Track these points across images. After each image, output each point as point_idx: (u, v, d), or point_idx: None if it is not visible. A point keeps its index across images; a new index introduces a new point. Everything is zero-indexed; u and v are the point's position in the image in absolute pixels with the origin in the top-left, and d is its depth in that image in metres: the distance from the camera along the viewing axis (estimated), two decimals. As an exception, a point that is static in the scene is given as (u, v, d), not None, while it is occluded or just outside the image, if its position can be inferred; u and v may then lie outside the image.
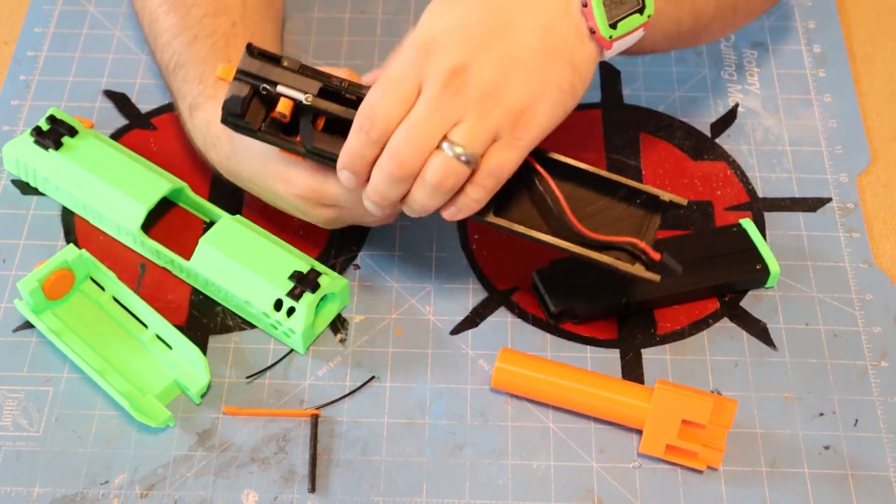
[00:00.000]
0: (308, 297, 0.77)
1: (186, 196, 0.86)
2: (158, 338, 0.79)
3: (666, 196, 0.74)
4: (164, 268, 0.84)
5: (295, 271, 0.78)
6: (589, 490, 0.74)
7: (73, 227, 0.86)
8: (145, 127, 0.92)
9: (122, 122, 0.93)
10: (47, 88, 0.95)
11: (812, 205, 0.88)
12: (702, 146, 0.92)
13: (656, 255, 0.73)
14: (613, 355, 0.80)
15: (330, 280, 0.79)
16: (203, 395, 0.78)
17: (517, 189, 0.74)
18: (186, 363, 0.78)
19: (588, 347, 0.81)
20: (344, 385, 0.79)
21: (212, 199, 0.87)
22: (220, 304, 0.82)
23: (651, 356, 0.80)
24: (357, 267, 0.84)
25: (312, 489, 0.74)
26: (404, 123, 0.68)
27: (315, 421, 0.76)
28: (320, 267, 0.80)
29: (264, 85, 0.72)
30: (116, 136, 0.92)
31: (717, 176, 0.90)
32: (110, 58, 0.97)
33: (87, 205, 0.84)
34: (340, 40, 0.99)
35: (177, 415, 0.77)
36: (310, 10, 1.01)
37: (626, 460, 0.75)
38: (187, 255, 0.81)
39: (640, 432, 0.75)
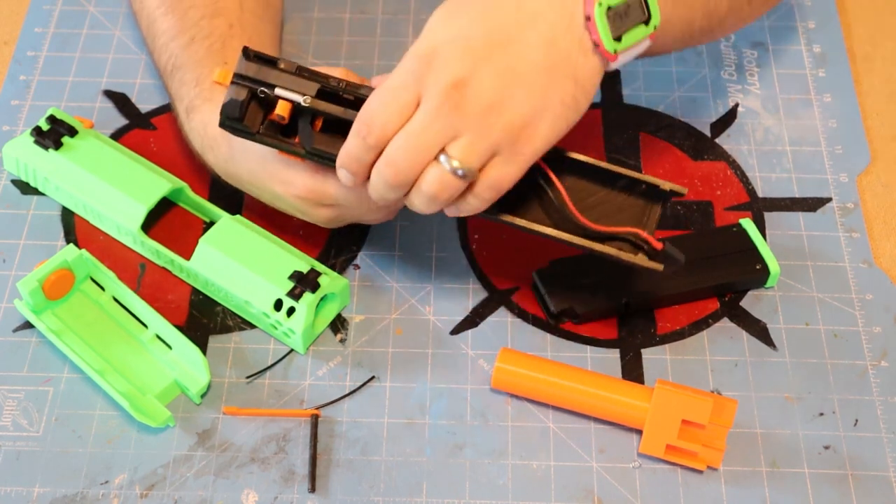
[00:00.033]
0: (308, 297, 0.77)
1: (186, 196, 0.86)
2: (158, 338, 0.79)
3: (666, 185, 0.73)
4: (164, 268, 0.84)
5: (295, 271, 0.78)
6: (589, 490, 0.74)
7: (73, 227, 0.86)
8: (145, 127, 0.92)
9: (122, 122, 0.93)
10: (47, 88, 0.95)
11: (812, 205, 0.88)
12: (702, 146, 0.92)
13: (658, 245, 0.73)
14: (613, 355, 0.80)
15: (330, 280, 0.79)
16: (203, 395, 0.78)
17: (518, 183, 0.74)
18: (186, 363, 0.78)
19: (588, 347, 0.81)
20: (344, 385, 0.79)
21: (212, 199, 0.87)
22: (220, 304, 0.82)
23: (651, 356, 0.80)
24: (357, 267, 0.84)
25: (312, 489, 0.74)
26: (403, 132, 0.68)
27: (315, 421, 0.76)
28: (320, 267, 0.80)
29: (262, 88, 0.72)
30: (116, 136, 0.92)
31: (717, 176, 0.90)
32: (110, 58, 0.97)
33: (87, 205, 0.84)
34: (340, 40, 0.99)
35: (177, 415, 0.77)
36: (310, 10, 1.01)
37: (626, 460, 0.75)
38: (187, 255, 0.81)
39: (640, 432, 0.75)
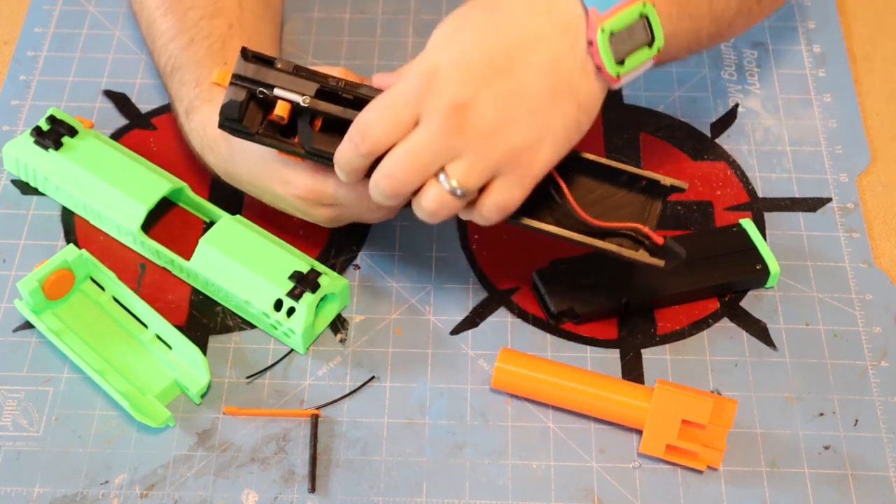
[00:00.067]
0: (308, 297, 0.77)
1: (186, 196, 0.86)
2: (158, 338, 0.79)
3: (667, 181, 0.73)
4: (164, 268, 0.84)
5: (295, 271, 0.78)
6: (589, 490, 0.74)
7: (73, 227, 0.86)
8: (145, 127, 0.92)
9: (122, 122, 0.93)
10: (47, 88, 0.95)
11: (812, 205, 0.88)
12: (702, 146, 0.92)
13: (659, 240, 0.73)
14: (613, 355, 0.80)
15: (330, 280, 0.79)
16: (203, 395, 0.78)
17: None
18: (186, 363, 0.78)
19: (588, 347, 0.81)
20: (344, 385, 0.79)
21: (212, 199, 0.87)
22: (220, 304, 0.82)
23: (651, 356, 0.80)
24: (357, 267, 0.84)
25: (312, 489, 0.74)
26: (402, 148, 0.68)
27: (315, 421, 0.76)
28: (320, 267, 0.80)
29: (261, 89, 0.72)
30: (116, 136, 0.92)
31: (717, 176, 0.90)
32: (110, 58, 0.97)
33: (87, 205, 0.84)
34: (340, 40, 0.99)
35: (177, 415, 0.77)
36: (310, 10, 1.01)
37: (626, 460, 0.75)
38: (187, 255, 0.81)
39: (640, 432, 0.75)
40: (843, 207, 0.88)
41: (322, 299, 0.80)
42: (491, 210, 0.70)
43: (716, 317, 0.82)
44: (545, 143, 0.69)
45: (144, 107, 0.94)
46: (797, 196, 0.89)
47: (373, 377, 0.79)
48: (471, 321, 0.82)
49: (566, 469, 0.75)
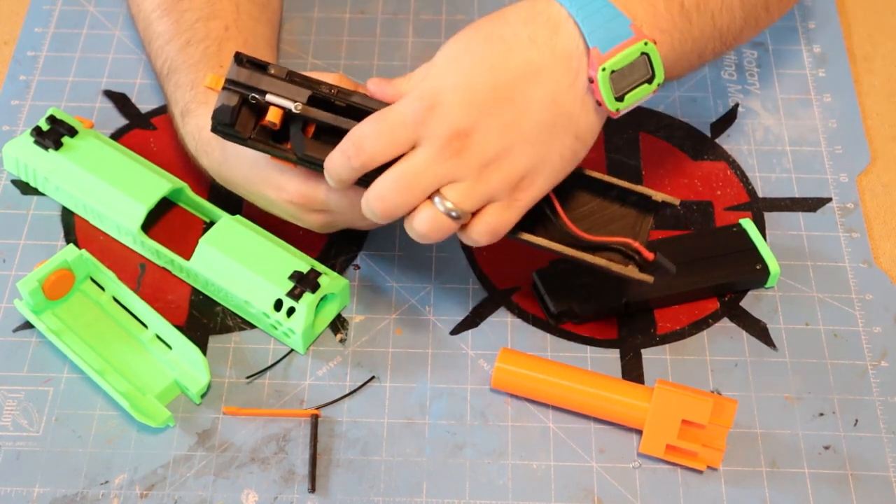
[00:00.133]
0: (308, 297, 0.77)
1: (186, 196, 0.86)
2: (158, 338, 0.79)
3: (658, 196, 0.74)
4: (164, 268, 0.84)
5: (295, 271, 0.78)
6: (589, 490, 0.74)
7: (73, 227, 0.86)
8: (145, 127, 0.92)
9: (122, 122, 0.93)
10: (47, 88, 0.95)
11: (812, 205, 0.88)
12: (702, 146, 0.92)
13: (650, 255, 0.73)
14: (613, 355, 0.80)
15: (330, 280, 0.79)
16: (203, 395, 0.78)
17: None
18: (186, 363, 0.78)
19: (588, 347, 0.81)
20: (344, 385, 0.79)
21: (212, 200, 0.87)
22: (220, 304, 0.82)
23: (651, 356, 0.80)
24: (357, 267, 0.84)
25: (312, 489, 0.74)
26: (398, 171, 0.68)
27: (315, 421, 0.76)
28: (320, 267, 0.80)
29: (253, 94, 0.72)
30: (116, 136, 0.92)
31: (717, 176, 0.90)
32: (110, 58, 0.97)
33: (87, 205, 0.84)
34: (340, 40, 0.99)
35: (177, 415, 0.77)
36: (310, 10, 1.01)
37: (626, 460, 0.75)
38: (187, 255, 0.81)
39: (640, 432, 0.75)
40: (843, 207, 0.88)
41: (322, 299, 0.80)
42: (481, 233, 0.70)
43: (716, 317, 0.82)
44: (542, 172, 0.70)
45: (144, 107, 0.94)
46: (797, 196, 0.89)
47: (373, 377, 0.79)
48: (471, 321, 0.82)
49: (566, 469, 0.75)
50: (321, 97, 0.72)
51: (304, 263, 0.79)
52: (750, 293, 0.83)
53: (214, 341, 0.81)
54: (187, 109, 0.82)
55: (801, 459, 0.75)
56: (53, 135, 0.85)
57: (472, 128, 0.68)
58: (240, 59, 0.72)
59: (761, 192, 0.89)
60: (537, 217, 0.73)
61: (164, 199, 0.85)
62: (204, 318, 0.82)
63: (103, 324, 0.81)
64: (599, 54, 0.69)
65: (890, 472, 0.75)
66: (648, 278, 0.73)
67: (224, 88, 0.72)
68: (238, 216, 0.83)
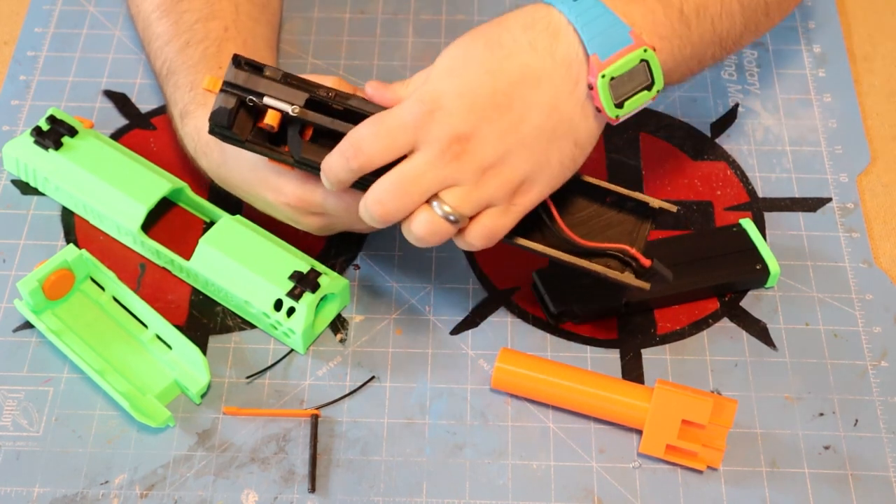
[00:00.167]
0: (308, 297, 0.77)
1: (186, 196, 0.86)
2: (158, 338, 0.79)
3: (656, 203, 0.74)
4: (164, 268, 0.84)
5: (295, 271, 0.78)
6: (589, 490, 0.74)
7: (73, 227, 0.86)
8: (145, 127, 0.92)
9: (122, 122, 0.93)
10: (47, 88, 0.95)
11: (812, 205, 0.88)
12: (702, 146, 0.92)
13: (647, 262, 0.73)
14: (613, 355, 0.80)
15: (330, 280, 0.79)
16: (203, 395, 0.78)
17: None
18: (186, 363, 0.78)
19: (588, 347, 0.81)
20: (344, 385, 0.79)
21: (212, 200, 0.87)
22: (220, 304, 0.82)
23: (651, 356, 0.80)
24: (357, 267, 0.84)
25: (312, 489, 0.74)
26: (396, 175, 0.68)
27: (315, 421, 0.76)
28: (320, 267, 0.80)
29: (250, 97, 0.72)
30: (116, 136, 0.92)
31: (717, 176, 0.90)
32: (110, 58, 0.97)
33: (87, 205, 0.84)
34: (340, 40, 0.99)
35: (177, 415, 0.77)
36: (310, 10, 1.01)
37: (626, 460, 0.75)
38: (187, 255, 0.81)
39: (640, 432, 0.75)
40: (843, 207, 0.88)
41: (322, 299, 0.80)
42: (477, 237, 0.70)
43: (716, 317, 0.82)
44: (540, 177, 0.70)
45: (144, 107, 0.94)
46: (797, 196, 0.89)
47: (373, 377, 0.79)
48: (471, 321, 0.82)
49: (566, 469, 0.75)
50: (319, 100, 0.72)
51: (304, 263, 0.79)
52: (750, 293, 0.83)
53: (214, 341, 0.81)
54: (186, 111, 0.82)
55: (801, 459, 0.75)
56: (53, 135, 0.85)
57: (471, 132, 0.68)
58: (238, 61, 0.72)
59: (761, 192, 0.89)
60: (534, 222, 0.73)
61: (164, 199, 0.85)
62: (204, 318, 0.82)
63: (103, 324, 0.81)
64: (599, 61, 0.69)
65: (890, 472, 0.75)
66: (645, 285, 0.73)
67: (222, 90, 0.72)
68: (238, 216, 0.83)
